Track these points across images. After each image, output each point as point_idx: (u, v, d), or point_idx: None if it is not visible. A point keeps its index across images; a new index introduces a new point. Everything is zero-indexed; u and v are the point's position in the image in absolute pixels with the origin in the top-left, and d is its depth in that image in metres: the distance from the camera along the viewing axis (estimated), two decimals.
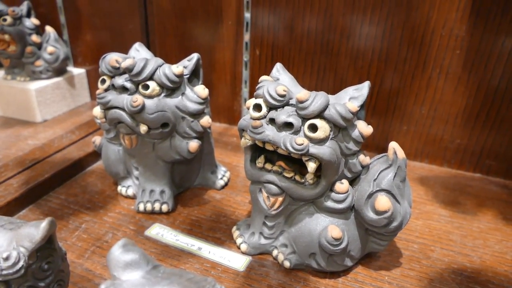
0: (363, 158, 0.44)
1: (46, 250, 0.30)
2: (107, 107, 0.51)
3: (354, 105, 0.41)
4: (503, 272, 0.47)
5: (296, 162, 0.44)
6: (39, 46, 0.81)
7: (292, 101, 0.42)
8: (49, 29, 0.82)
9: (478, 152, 0.69)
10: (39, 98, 0.80)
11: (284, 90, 0.41)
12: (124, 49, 0.58)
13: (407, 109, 0.71)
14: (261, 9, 0.73)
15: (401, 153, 0.42)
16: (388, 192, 0.42)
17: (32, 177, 0.59)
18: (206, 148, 0.60)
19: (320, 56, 0.74)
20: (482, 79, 0.65)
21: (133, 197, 0.58)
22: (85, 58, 0.92)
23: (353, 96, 0.43)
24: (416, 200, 0.61)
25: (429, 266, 0.48)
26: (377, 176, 0.42)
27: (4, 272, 0.27)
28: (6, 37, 0.78)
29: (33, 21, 0.80)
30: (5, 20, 0.77)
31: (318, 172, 0.42)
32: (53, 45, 0.81)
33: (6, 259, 0.27)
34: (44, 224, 0.28)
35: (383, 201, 0.41)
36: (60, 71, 0.85)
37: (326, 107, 0.40)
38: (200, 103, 0.52)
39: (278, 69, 0.48)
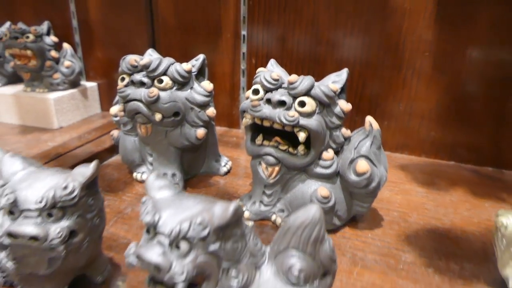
0: (345, 131, 0.52)
1: (92, 189, 0.38)
2: (126, 100, 0.59)
3: (336, 86, 0.50)
4: (470, 230, 0.55)
5: (289, 140, 0.52)
6: (57, 61, 0.91)
7: (284, 85, 0.51)
8: (66, 45, 0.92)
9: (451, 142, 0.78)
10: (57, 107, 0.88)
11: (277, 75, 0.50)
12: None
13: (387, 107, 0.80)
14: (256, 24, 0.84)
15: (375, 125, 0.51)
16: (366, 157, 0.50)
17: (56, 167, 0.66)
18: (210, 139, 0.68)
19: (309, 64, 0.83)
20: (450, 77, 0.74)
21: None
22: (97, 72, 1.01)
23: (335, 80, 0.52)
24: (396, 181, 0.69)
25: (407, 227, 0.55)
26: (357, 145, 0.51)
27: (63, 199, 0.35)
28: (29, 52, 0.87)
29: (52, 39, 0.90)
30: (28, 37, 0.86)
31: (307, 145, 0.51)
32: (69, 60, 0.91)
33: (65, 188, 0.35)
34: (93, 164, 0.36)
35: (362, 165, 0.49)
36: (75, 83, 0.94)
37: (312, 87, 0.49)
38: (206, 96, 0.61)
39: (272, 64, 0.57)
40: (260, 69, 0.55)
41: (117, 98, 0.69)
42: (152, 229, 0.31)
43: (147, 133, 0.62)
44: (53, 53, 0.89)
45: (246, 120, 0.53)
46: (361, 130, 0.53)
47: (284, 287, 0.33)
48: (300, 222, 0.32)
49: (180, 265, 0.30)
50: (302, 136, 0.49)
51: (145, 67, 0.58)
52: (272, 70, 0.56)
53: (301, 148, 0.51)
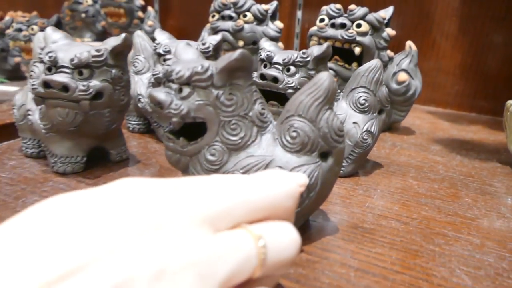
0: (389, 52, 0.68)
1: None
2: (216, 31, 0.76)
3: (384, 14, 0.66)
4: (487, 142, 0.69)
5: (345, 60, 0.68)
6: (142, 20, 1.09)
7: (344, 15, 0.67)
8: (150, 9, 1.10)
9: (473, 95, 0.92)
10: None
11: (340, 6, 0.66)
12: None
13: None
14: None
15: (414, 47, 0.66)
16: (405, 71, 0.65)
17: None
18: None
19: None
20: (473, 38, 0.89)
21: None
22: None
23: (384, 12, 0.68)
24: (424, 117, 0.84)
25: (434, 137, 0.70)
26: (399, 62, 0.66)
27: (204, 51, 0.51)
28: (121, 11, 1.06)
29: (140, 2, 1.09)
30: None
31: (359, 63, 0.66)
32: (152, 20, 1.09)
33: (204, 44, 0.51)
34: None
35: (402, 75, 0.64)
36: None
37: (367, 14, 0.65)
38: (278, 32, 0.77)
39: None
40: (324, 6, 0.71)
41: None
42: (268, 64, 0.47)
43: None
44: (140, 14, 1.08)
45: (313, 42, 0.69)
46: (402, 52, 0.68)
47: (353, 113, 0.48)
48: (367, 67, 0.47)
49: (290, 79, 0.45)
50: (357, 50, 0.64)
51: (234, 4, 0.75)
52: None
53: (354, 64, 0.67)
